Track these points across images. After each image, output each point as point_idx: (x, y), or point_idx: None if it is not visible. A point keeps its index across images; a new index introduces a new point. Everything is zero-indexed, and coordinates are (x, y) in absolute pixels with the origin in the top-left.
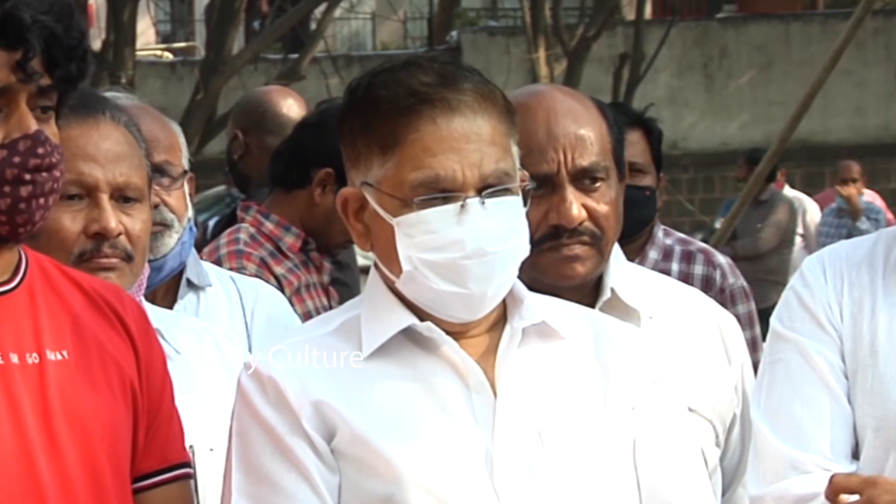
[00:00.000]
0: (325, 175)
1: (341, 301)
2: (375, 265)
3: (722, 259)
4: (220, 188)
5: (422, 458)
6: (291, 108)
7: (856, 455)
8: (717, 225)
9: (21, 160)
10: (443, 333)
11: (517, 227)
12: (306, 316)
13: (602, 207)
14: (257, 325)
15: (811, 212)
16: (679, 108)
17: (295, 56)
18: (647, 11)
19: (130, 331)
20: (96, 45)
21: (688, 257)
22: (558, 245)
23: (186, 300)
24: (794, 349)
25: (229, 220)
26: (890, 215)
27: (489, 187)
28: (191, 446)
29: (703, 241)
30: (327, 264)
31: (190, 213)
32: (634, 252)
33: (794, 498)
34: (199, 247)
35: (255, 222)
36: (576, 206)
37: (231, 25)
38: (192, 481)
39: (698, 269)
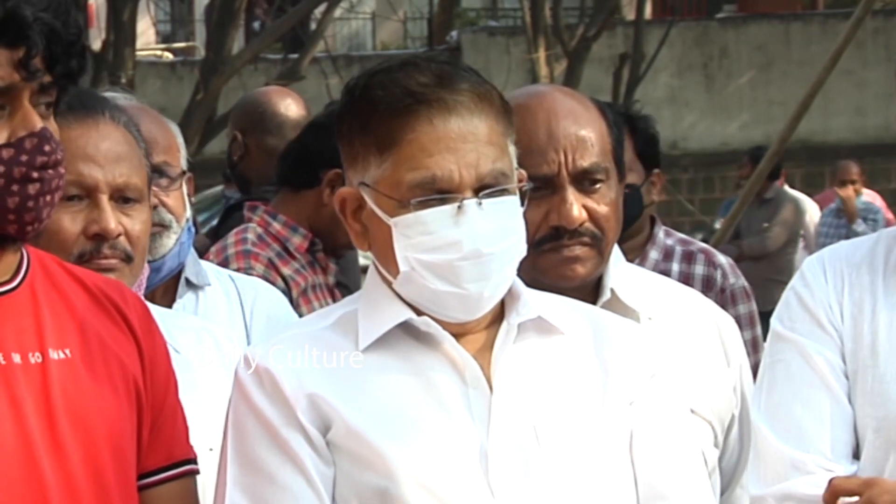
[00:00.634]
0: (333, 176)
1: None
2: (373, 263)
3: (723, 259)
4: (219, 188)
5: (417, 453)
6: (290, 108)
7: (856, 455)
8: (717, 225)
9: (29, 158)
10: (440, 328)
11: (514, 228)
12: None
13: (602, 208)
14: (256, 325)
15: (810, 212)
16: (679, 108)
17: (295, 56)
18: (647, 11)
19: (133, 327)
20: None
21: (688, 257)
22: (559, 246)
23: (185, 300)
24: (794, 350)
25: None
26: (890, 215)
27: (486, 187)
28: (191, 444)
29: (704, 240)
30: (333, 265)
31: (188, 213)
32: (635, 252)
33: (794, 498)
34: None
35: (262, 222)
36: (576, 207)
37: (231, 25)
38: (197, 477)
39: (699, 270)
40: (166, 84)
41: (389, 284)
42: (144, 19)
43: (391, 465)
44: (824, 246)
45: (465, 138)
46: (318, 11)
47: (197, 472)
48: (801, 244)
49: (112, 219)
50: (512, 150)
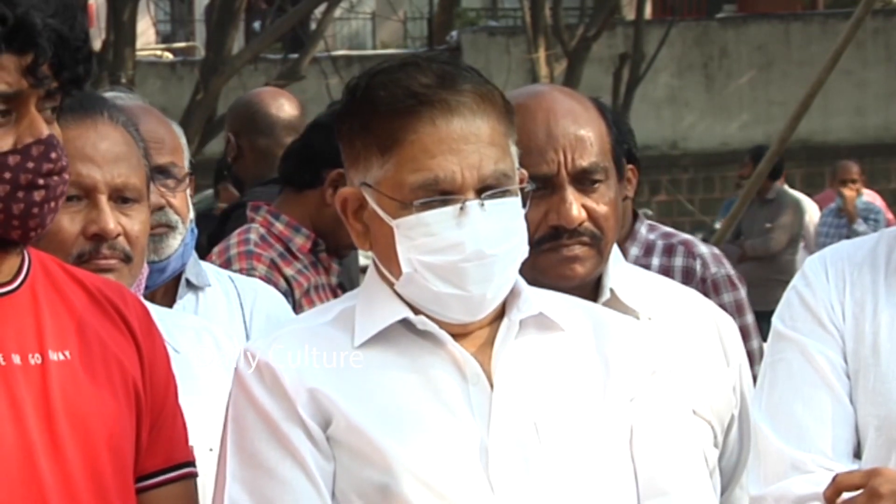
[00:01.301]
0: (336, 176)
1: None
2: (374, 262)
3: (704, 249)
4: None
5: (417, 449)
6: (282, 108)
7: (857, 455)
8: (718, 225)
9: (35, 165)
10: (437, 328)
11: (516, 229)
12: None
13: (602, 208)
14: (256, 325)
15: (810, 212)
16: (679, 108)
17: (295, 56)
18: (647, 11)
19: (133, 329)
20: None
21: (669, 250)
22: (558, 246)
23: (185, 300)
24: (795, 349)
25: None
26: (890, 215)
27: (488, 188)
28: (190, 446)
29: (703, 240)
30: (335, 266)
31: (192, 214)
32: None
33: (795, 498)
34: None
35: (265, 223)
36: (576, 206)
37: (231, 25)
38: (196, 480)
39: (678, 261)
40: (166, 84)
41: (390, 283)
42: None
43: (391, 460)
44: (824, 246)
45: (468, 139)
46: (318, 11)
47: (196, 474)
48: (801, 244)
49: (111, 219)
50: (514, 150)
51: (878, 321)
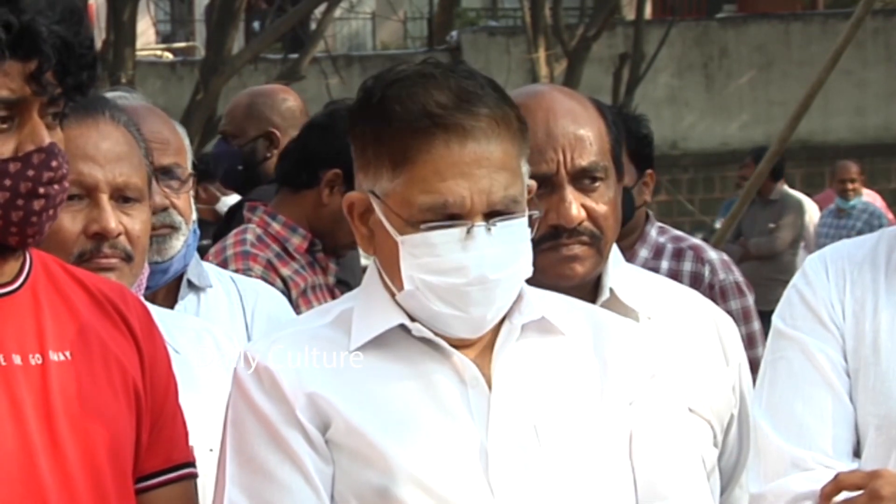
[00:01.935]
0: (333, 176)
1: None
2: (375, 265)
3: (713, 255)
4: None
5: (416, 452)
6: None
7: (857, 453)
8: (718, 225)
9: (35, 174)
10: (432, 334)
11: (521, 252)
12: None
13: (601, 207)
14: (257, 326)
15: (810, 212)
16: (679, 108)
17: (295, 56)
18: (647, 11)
19: (134, 330)
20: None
21: (678, 254)
22: (557, 245)
23: (187, 301)
24: (796, 347)
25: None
26: (890, 215)
27: (496, 214)
28: (190, 446)
29: (704, 240)
30: (333, 265)
31: (195, 215)
32: (625, 250)
33: (795, 496)
34: None
35: (261, 223)
36: (575, 205)
37: (231, 25)
38: (196, 481)
39: (687, 266)
40: (166, 84)
41: (391, 290)
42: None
43: (391, 463)
44: (824, 246)
45: (480, 164)
46: (318, 11)
47: (196, 475)
48: (801, 244)
49: (112, 218)
50: (525, 169)
51: (878, 320)
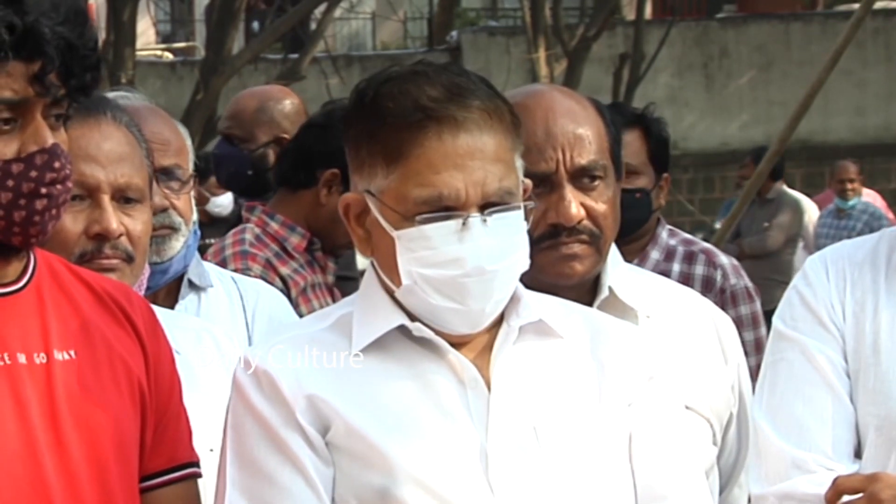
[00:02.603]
0: (330, 176)
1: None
2: (373, 266)
3: (724, 259)
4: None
5: (417, 453)
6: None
7: (858, 454)
8: (718, 225)
9: (38, 174)
10: (433, 334)
11: (517, 244)
12: None
13: (600, 206)
14: (258, 326)
15: (810, 212)
16: (679, 108)
17: (295, 56)
18: (647, 11)
19: (139, 329)
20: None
21: (689, 258)
22: (557, 244)
23: (187, 301)
24: (796, 348)
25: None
26: (891, 215)
27: (491, 205)
28: (194, 446)
29: (704, 240)
30: (332, 264)
31: (195, 216)
32: (636, 252)
33: (795, 497)
34: None
35: (260, 223)
36: (574, 204)
37: (231, 25)
38: (199, 480)
39: (699, 270)
40: (166, 84)
41: (389, 290)
42: (144, 19)
43: (391, 464)
44: (823, 247)
45: (473, 155)
46: (318, 11)
47: (200, 475)
48: (800, 244)
49: (114, 219)
50: (519, 164)
51: (878, 321)
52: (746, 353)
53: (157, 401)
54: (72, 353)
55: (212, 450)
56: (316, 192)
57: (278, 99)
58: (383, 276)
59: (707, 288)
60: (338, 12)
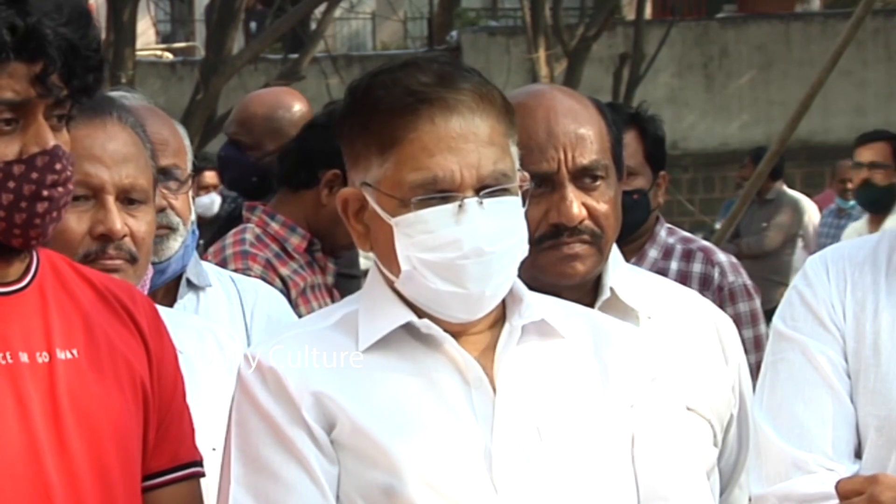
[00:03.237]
0: (332, 176)
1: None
2: (375, 264)
3: (723, 257)
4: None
5: (422, 452)
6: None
7: (858, 455)
8: (718, 225)
9: (39, 176)
10: (440, 331)
11: (515, 227)
12: None
13: (602, 206)
14: (257, 326)
15: (810, 212)
16: (679, 108)
17: (295, 56)
18: (647, 11)
19: (142, 328)
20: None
21: (687, 256)
22: (558, 244)
23: (186, 300)
24: (796, 349)
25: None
26: None
27: (487, 188)
28: (197, 446)
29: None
30: (331, 265)
31: (193, 215)
32: (634, 251)
33: (796, 497)
34: None
35: (260, 223)
36: (576, 204)
37: (231, 25)
38: (202, 480)
39: (697, 268)
40: (166, 84)
41: (391, 285)
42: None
43: (396, 462)
44: (824, 247)
45: (467, 138)
46: (318, 11)
47: (202, 474)
48: (800, 244)
49: (118, 220)
50: (514, 150)
51: (878, 321)
52: (746, 351)
53: (159, 400)
54: (74, 352)
55: (214, 449)
56: (317, 193)
57: (287, 107)
58: (384, 269)
59: (705, 286)
60: (338, 12)
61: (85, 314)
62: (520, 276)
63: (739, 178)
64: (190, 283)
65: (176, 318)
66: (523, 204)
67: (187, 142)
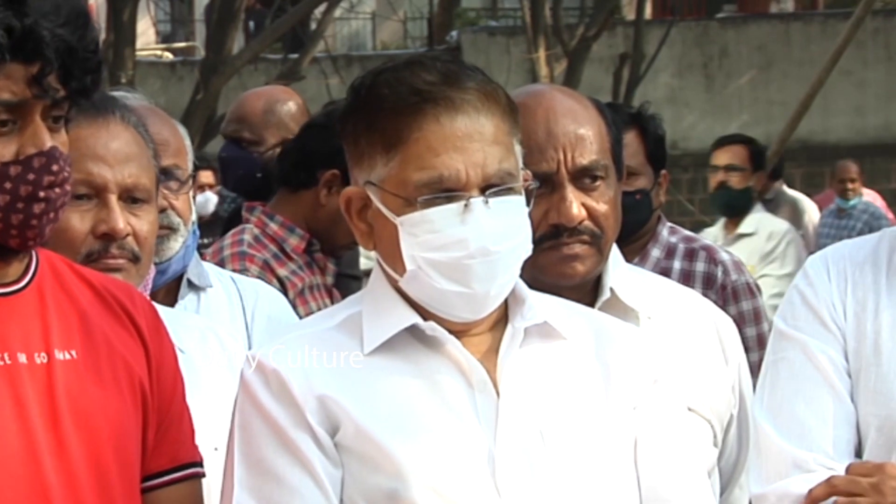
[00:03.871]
0: (331, 176)
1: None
2: (378, 263)
3: (725, 256)
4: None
5: (425, 455)
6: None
7: (859, 454)
8: None
9: (35, 177)
10: (445, 332)
11: (520, 226)
12: None
13: (602, 206)
14: (258, 326)
15: (810, 212)
16: (679, 108)
17: (295, 56)
18: (647, 11)
19: (141, 329)
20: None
21: (690, 255)
22: (558, 244)
23: (187, 300)
24: (797, 348)
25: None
26: (891, 215)
27: (492, 187)
28: (197, 446)
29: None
30: (331, 266)
31: (194, 216)
32: (637, 250)
33: (796, 497)
34: None
35: (259, 223)
36: (576, 204)
37: (231, 25)
38: (202, 480)
39: (700, 267)
40: (166, 84)
41: (394, 284)
42: (144, 19)
43: (400, 466)
44: (824, 246)
45: (472, 137)
46: (318, 11)
47: (202, 475)
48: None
49: (121, 219)
50: (518, 149)
51: (879, 320)
52: (749, 349)
53: (159, 401)
54: (73, 352)
55: (216, 448)
56: (316, 193)
57: (284, 100)
58: (387, 269)
59: (708, 285)
60: (338, 12)
61: (84, 315)
62: (521, 276)
63: None
64: (191, 284)
65: (177, 318)
66: (527, 203)
67: (188, 142)
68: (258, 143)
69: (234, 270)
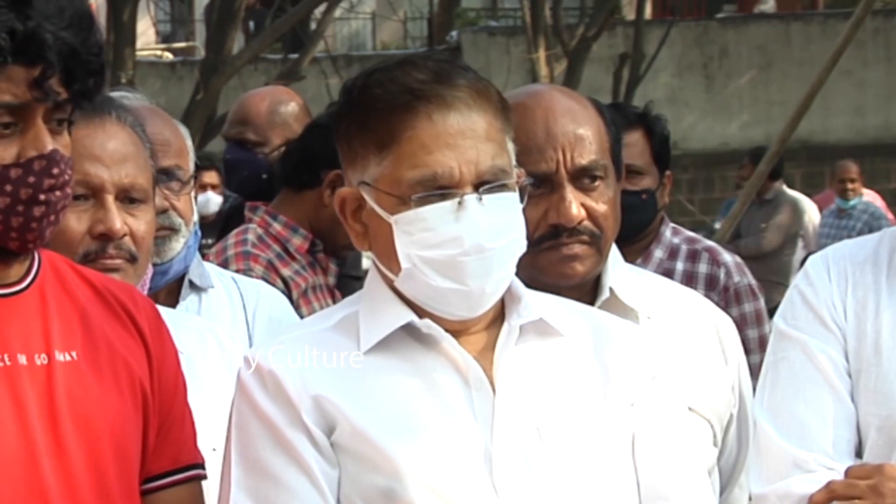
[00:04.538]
0: (334, 177)
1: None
2: (374, 263)
3: (728, 257)
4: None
5: (422, 454)
6: None
7: (859, 454)
8: (718, 225)
9: (36, 180)
10: (441, 330)
11: (514, 223)
12: None
13: (601, 207)
14: (259, 327)
15: (810, 212)
16: (679, 108)
17: (295, 56)
18: (647, 11)
19: (142, 330)
20: None
21: (693, 256)
22: (557, 244)
23: (188, 301)
24: (797, 348)
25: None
26: (891, 215)
27: (485, 183)
28: (198, 447)
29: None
30: (333, 266)
31: (195, 216)
32: (640, 251)
33: (796, 496)
34: None
35: (262, 223)
36: (575, 205)
37: (231, 25)
38: (203, 482)
39: (702, 268)
40: (166, 84)
41: (390, 284)
42: (144, 19)
43: (397, 465)
44: (825, 246)
45: (465, 134)
46: (318, 11)
47: (204, 476)
48: (800, 244)
49: (118, 219)
50: (510, 147)
51: (879, 320)
52: (751, 351)
53: (160, 402)
54: (73, 354)
55: (215, 449)
56: (319, 193)
57: (286, 101)
58: (383, 269)
59: (711, 286)
60: (338, 12)
61: (85, 316)
62: (519, 276)
63: (739, 178)
64: (192, 284)
65: (177, 319)
66: (521, 200)
67: (189, 142)
68: (262, 145)
69: (238, 270)
